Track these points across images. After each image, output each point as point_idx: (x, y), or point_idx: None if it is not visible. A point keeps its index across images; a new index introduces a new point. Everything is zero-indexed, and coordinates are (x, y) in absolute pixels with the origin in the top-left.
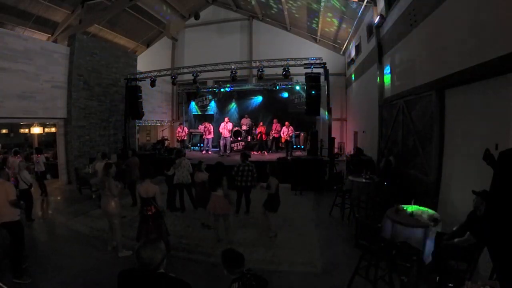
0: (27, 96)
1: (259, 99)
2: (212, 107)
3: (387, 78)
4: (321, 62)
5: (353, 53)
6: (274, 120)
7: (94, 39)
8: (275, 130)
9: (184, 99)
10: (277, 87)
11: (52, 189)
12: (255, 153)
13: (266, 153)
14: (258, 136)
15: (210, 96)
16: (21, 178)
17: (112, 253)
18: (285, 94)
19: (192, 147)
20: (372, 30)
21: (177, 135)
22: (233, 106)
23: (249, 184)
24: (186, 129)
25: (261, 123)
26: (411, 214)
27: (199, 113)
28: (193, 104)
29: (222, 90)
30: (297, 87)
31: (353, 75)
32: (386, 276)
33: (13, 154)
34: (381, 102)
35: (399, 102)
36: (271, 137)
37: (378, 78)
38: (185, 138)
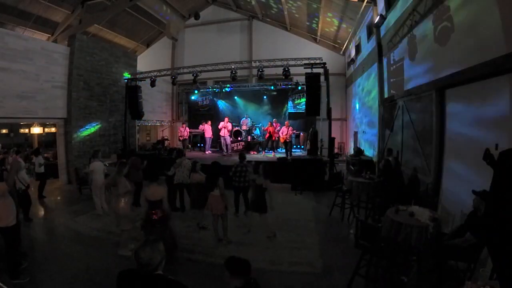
0: (27, 96)
1: (259, 99)
2: (212, 107)
3: (387, 77)
4: (321, 62)
5: (353, 53)
6: (274, 120)
7: (94, 39)
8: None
9: (184, 99)
10: (275, 87)
11: (52, 189)
12: (254, 153)
13: (272, 153)
14: (267, 136)
15: (210, 96)
16: (18, 178)
17: (111, 253)
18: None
19: (191, 147)
20: (372, 30)
21: (179, 134)
22: (233, 106)
23: (245, 184)
24: (188, 129)
25: (269, 123)
26: (411, 214)
27: (200, 111)
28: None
29: (222, 90)
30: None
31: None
32: (386, 276)
33: (14, 154)
34: (381, 102)
35: (399, 102)
36: (274, 138)
37: (378, 78)
38: (187, 137)
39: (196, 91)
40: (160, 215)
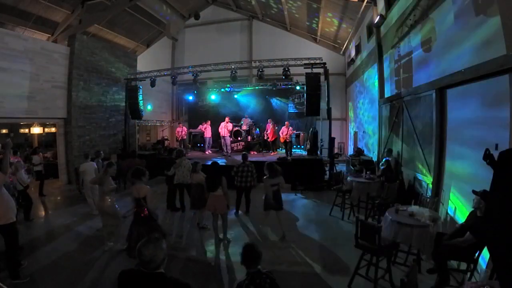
0: (27, 96)
1: (259, 99)
2: (212, 107)
3: (387, 78)
4: (321, 62)
5: (353, 53)
6: (269, 120)
7: (94, 39)
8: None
9: (184, 99)
10: (275, 87)
11: (52, 189)
12: (254, 153)
13: (272, 153)
14: (265, 137)
15: (210, 96)
16: (16, 179)
17: (111, 253)
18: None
19: (191, 147)
20: (372, 30)
21: (177, 134)
22: (233, 106)
23: (248, 184)
24: (185, 128)
25: (269, 121)
26: (411, 214)
27: (200, 111)
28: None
29: (222, 90)
30: (297, 87)
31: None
32: (386, 276)
33: (12, 154)
34: (381, 102)
35: (399, 102)
36: (265, 137)
37: (378, 78)
38: (185, 137)
39: (195, 91)
40: (146, 213)
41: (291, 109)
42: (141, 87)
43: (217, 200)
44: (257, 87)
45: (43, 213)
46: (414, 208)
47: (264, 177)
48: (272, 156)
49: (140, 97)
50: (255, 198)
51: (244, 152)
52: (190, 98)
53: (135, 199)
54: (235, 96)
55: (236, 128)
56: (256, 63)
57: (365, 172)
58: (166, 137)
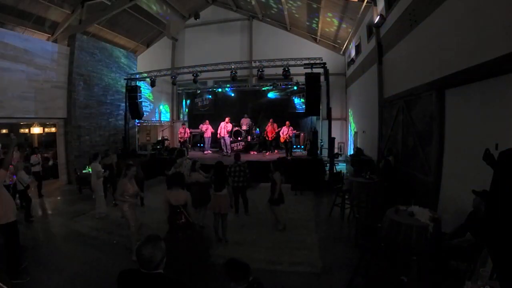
0: (27, 96)
1: (259, 99)
2: (212, 107)
3: (387, 77)
4: (321, 62)
5: (353, 53)
6: (271, 120)
7: (94, 39)
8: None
9: (184, 99)
10: (275, 87)
11: (52, 189)
12: (254, 153)
13: (268, 153)
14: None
15: (210, 96)
16: (17, 179)
17: (112, 253)
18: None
19: (191, 147)
20: (372, 30)
21: (180, 135)
22: (233, 106)
23: (240, 184)
24: (188, 130)
25: (271, 121)
26: (411, 214)
27: (200, 111)
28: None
29: (222, 90)
30: (295, 88)
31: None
32: (386, 276)
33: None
34: (381, 102)
35: (399, 102)
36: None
37: (378, 78)
38: (187, 138)
39: (195, 91)
40: (184, 221)
41: (292, 109)
42: (141, 85)
43: (222, 199)
44: (257, 87)
45: (43, 213)
46: (414, 208)
47: (277, 173)
48: (269, 156)
49: (140, 97)
50: (254, 198)
51: (236, 152)
52: (190, 98)
53: (172, 206)
54: (235, 97)
55: (236, 128)
56: (256, 63)
57: (365, 172)
58: (166, 137)
